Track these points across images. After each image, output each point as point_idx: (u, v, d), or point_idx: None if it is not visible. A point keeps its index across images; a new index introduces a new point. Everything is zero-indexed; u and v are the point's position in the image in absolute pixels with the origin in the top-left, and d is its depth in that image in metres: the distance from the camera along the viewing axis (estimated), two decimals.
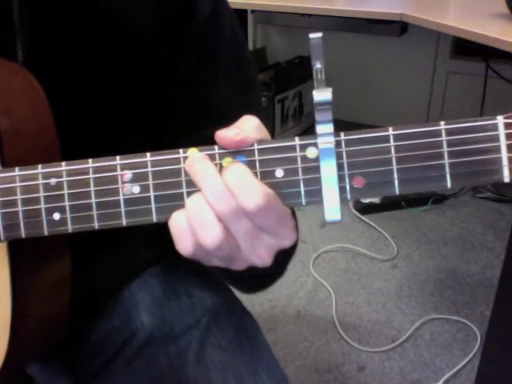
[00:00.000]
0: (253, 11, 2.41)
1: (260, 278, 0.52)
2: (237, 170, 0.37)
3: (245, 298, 0.70)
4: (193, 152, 0.39)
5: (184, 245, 0.39)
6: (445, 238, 1.96)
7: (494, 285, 1.61)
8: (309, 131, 2.69)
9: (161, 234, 0.42)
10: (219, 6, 0.59)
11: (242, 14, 2.39)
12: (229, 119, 0.40)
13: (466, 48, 2.28)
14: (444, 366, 1.43)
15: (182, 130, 0.49)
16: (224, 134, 0.38)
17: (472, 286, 1.71)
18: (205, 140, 0.40)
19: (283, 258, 0.47)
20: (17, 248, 0.46)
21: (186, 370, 0.62)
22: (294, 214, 0.47)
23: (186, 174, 0.39)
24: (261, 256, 0.39)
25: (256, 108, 0.61)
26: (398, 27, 2.11)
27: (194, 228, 0.38)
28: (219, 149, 0.39)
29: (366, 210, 2.08)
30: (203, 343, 0.64)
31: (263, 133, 0.40)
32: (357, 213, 2.08)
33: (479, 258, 1.85)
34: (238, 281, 0.58)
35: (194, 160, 0.39)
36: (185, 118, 0.59)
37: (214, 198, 0.37)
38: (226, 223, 0.37)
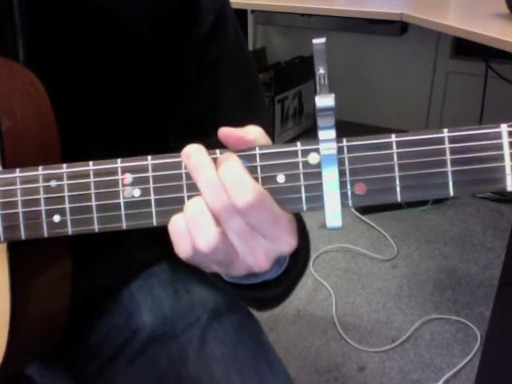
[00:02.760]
0: (253, 11, 2.40)
1: (270, 296, 0.51)
2: (230, 166, 0.38)
3: None
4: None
5: (182, 248, 0.39)
6: (445, 238, 1.96)
7: (494, 285, 1.61)
8: (309, 132, 2.69)
9: (161, 233, 0.42)
10: (223, 12, 0.59)
11: (241, 14, 2.39)
12: (233, 126, 0.40)
13: (465, 48, 2.28)
14: (444, 366, 1.43)
15: (186, 137, 0.49)
16: (227, 129, 0.39)
17: (472, 286, 1.71)
18: (208, 147, 0.40)
19: (291, 271, 0.47)
20: (16, 249, 0.46)
21: (187, 366, 0.62)
22: (303, 226, 0.47)
23: (187, 178, 0.39)
24: (257, 260, 0.39)
25: (260, 114, 0.62)
26: (398, 27, 2.10)
27: (191, 231, 0.38)
28: (221, 153, 0.39)
29: (366, 209, 2.08)
30: (204, 339, 0.64)
31: (266, 140, 0.40)
32: (357, 213, 2.08)
33: (479, 258, 1.84)
34: (248, 299, 0.57)
35: (191, 151, 0.39)
36: (189, 125, 0.59)
37: (208, 192, 0.37)
38: (221, 222, 0.38)
